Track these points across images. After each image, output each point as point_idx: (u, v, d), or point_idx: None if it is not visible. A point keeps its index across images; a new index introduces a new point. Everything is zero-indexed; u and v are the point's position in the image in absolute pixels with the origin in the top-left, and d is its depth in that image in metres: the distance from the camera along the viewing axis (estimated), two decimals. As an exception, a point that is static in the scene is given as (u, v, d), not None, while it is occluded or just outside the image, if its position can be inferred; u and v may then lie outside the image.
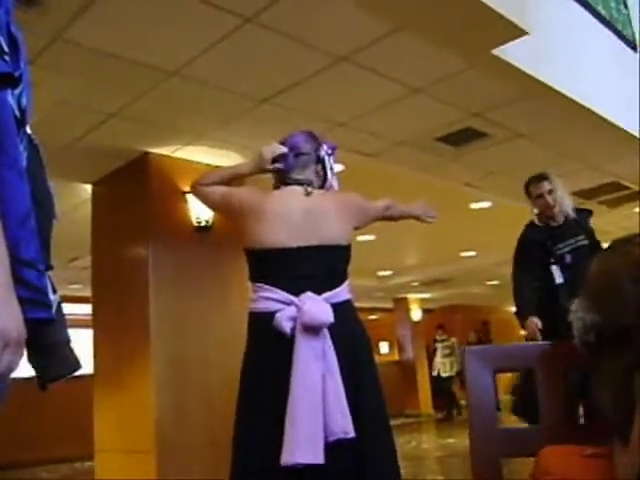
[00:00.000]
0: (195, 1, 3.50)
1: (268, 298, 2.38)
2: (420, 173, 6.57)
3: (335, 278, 2.44)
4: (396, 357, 16.60)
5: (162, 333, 5.31)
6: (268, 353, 2.38)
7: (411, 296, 15.62)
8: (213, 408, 5.15)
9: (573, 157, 6.60)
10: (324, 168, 2.71)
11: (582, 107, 5.10)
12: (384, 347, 19.72)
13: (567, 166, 6.81)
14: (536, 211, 4.36)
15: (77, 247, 6.68)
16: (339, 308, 2.36)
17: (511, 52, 4.23)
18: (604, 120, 5.44)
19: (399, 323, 16.01)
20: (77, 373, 1.28)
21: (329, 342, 2.30)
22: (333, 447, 2.20)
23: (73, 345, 1.26)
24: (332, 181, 2.73)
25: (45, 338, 1.14)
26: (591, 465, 1.32)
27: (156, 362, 5.24)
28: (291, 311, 2.29)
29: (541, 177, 4.34)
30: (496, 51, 4.16)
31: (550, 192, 4.23)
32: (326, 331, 2.31)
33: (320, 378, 2.23)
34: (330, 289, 2.39)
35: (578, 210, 4.36)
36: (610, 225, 9.37)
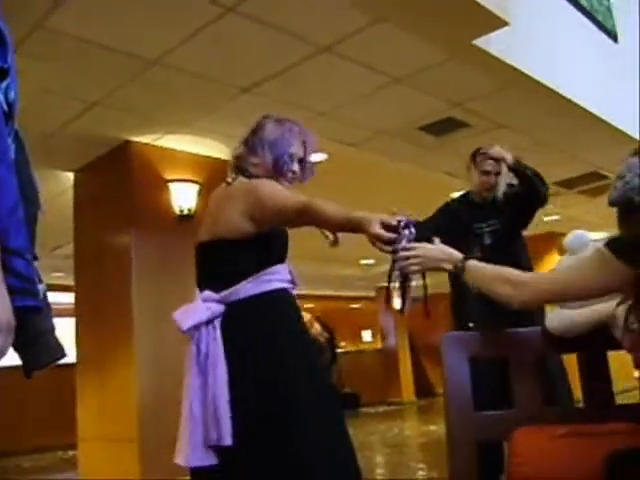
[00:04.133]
0: (177, -10, 3.51)
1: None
2: (402, 162, 6.60)
3: (232, 274, 2.21)
4: (379, 345, 16.68)
5: (145, 321, 5.31)
6: None
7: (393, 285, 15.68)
8: (196, 396, 5.17)
9: (554, 147, 6.66)
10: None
11: (562, 97, 5.15)
12: (367, 335, 19.80)
13: (548, 156, 6.87)
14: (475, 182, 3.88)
15: (60, 235, 6.65)
16: (238, 307, 2.18)
17: (492, 43, 4.26)
18: (584, 110, 5.50)
19: (381, 312, 16.04)
20: (60, 362, 1.31)
21: (218, 343, 2.14)
22: (223, 451, 2.09)
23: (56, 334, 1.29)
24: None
25: (31, 326, 1.17)
26: (561, 445, 1.36)
27: (139, 351, 5.25)
28: None
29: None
30: (477, 42, 4.18)
31: (498, 174, 3.76)
32: (214, 331, 2.16)
33: (196, 380, 2.15)
34: (229, 286, 2.20)
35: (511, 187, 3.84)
36: (589, 214, 9.45)
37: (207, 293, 2.21)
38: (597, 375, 1.70)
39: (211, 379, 2.10)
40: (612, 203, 1.45)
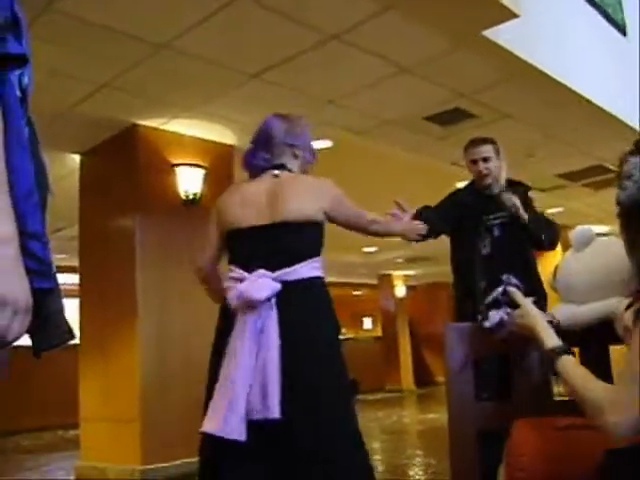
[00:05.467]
0: (187, -25, 3.50)
1: (229, 277, 2.45)
2: (407, 152, 6.61)
3: (293, 255, 2.39)
4: (379, 333, 16.74)
5: (148, 304, 5.35)
6: (223, 327, 2.45)
7: (395, 273, 15.71)
8: (197, 378, 5.20)
9: (559, 139, 6.65)
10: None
11: (569, 90, 5.15)
12: (367, 323, 19.87)
13: (553, 148, 6.88)
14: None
15: (64, 217, 6.68)
16: (296, 286, 2.33)
17: (501, 34, 4.26)
18: (590, 103, 5.50)
19: (383, 299, 16.09)
20: (64, 342, 1.33)
21: (273, 319, 2.27)
22: (263, 425, 2.17)
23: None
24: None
25: (45, 307, 1.19)
26: (562, 437, 1.38)
27: (142, 332, 5.29)
28: (238, 289, 2.33)
29: (481, 141, 3.81)
30: (486, 32, 4.19)
31: (485, 160, 3.73)
32: (271, 308, 2.28)
33: (248, 354, 2.23)
34: (286, 267, 2.35)
35: (513, 183, 3.86)
36: (591, 207, 9.46)
37: (262, 271, 2.32)
38: (598, 369, 1.72)
39: (264, 354, 2.22)
40: (622, 203, 1.42)
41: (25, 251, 1.07)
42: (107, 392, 5.55)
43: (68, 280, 7.28)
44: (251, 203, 2.49)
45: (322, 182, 2.56)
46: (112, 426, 5.43)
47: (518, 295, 1.68)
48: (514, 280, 1.77)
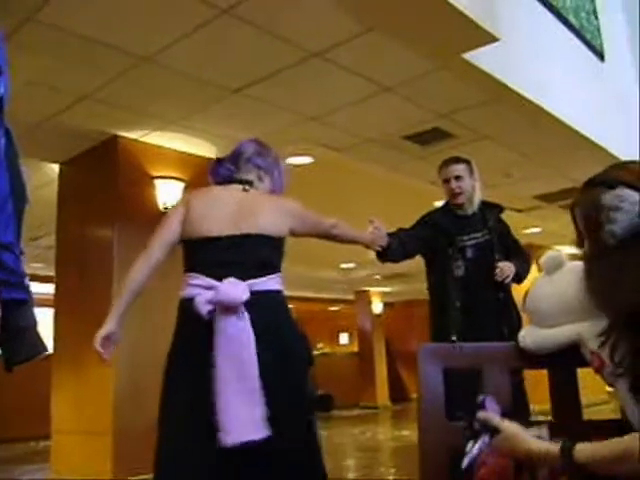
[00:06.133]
0: (172, -10, 3.53)
1: (192, 285, 2.44)
2: (387, 170, 6.66)
3: (262, 267, 2.43)
4: (355, 348, 16.75)
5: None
6: (189, 336, 2.48)
7: (372, 289, 15.74)
8: (172, 393, 5.19)
9: (537, 161, 6.75)
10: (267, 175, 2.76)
11: (546, 113, 5.22)
12: (344, 338, 19.86)
13: (531, 169, 6.97)
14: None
15: (41, 226, 6.65)
16: (264, 297, 2.37)
17: (481, 57, 4.32)
18: (567, 126, 5.57)
19: (360, 315, 16.11)
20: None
21: (248, 326, 2.30)
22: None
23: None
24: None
25: (17, 320, 1.19)
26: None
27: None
28: (209, 294, 2.33)
29: (454, 160, 3.84)
30: (466, 55, 4.24)
31: (458, 178, 3.73)
32: (246, 316, 2.31)
33: (254, 356, 2.27)
34: (255, 278, 2.38)
35: (487, 204, 3.87)
36: (566, 229, 9.55)
37: (232, 279, 2.34)
38: (567, 392, 1.75)
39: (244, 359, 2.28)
40: (620, 235, 1.39)
41: None
42: (80, 404, 5.50)
43: (44, 289, 7.24)
44: (221, 212, 2.52)
45: (288, 202, 2.65)
46: (84, 439, 5.38)
47: (492, 419, 1.46)
48: (488, 402, 1.54)
